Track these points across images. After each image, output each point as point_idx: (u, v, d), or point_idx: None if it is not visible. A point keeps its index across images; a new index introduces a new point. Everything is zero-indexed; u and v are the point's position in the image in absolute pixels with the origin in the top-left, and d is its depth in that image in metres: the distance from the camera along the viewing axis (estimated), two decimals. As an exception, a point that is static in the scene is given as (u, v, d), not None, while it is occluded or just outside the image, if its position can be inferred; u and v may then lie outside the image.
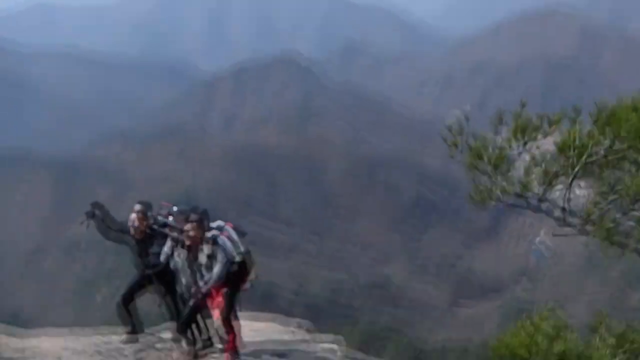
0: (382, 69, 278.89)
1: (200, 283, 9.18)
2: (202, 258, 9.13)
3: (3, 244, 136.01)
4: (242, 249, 9.39)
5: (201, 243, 9.23)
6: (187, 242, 9.19)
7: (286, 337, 11.43)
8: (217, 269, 9.09)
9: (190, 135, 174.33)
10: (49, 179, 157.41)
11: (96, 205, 9.78)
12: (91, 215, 9.64)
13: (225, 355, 9.62)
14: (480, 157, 6.35)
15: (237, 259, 9.21)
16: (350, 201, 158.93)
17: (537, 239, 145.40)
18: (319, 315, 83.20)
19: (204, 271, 9.23)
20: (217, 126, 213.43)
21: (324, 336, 12.02)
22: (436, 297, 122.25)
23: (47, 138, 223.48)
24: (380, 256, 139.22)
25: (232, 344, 9.50)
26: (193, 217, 9.23)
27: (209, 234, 9.16)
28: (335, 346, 11.11)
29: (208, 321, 10.22)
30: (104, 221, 9.72)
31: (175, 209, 10.01)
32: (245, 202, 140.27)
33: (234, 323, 9.56)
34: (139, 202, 10.03)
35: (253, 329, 11.35)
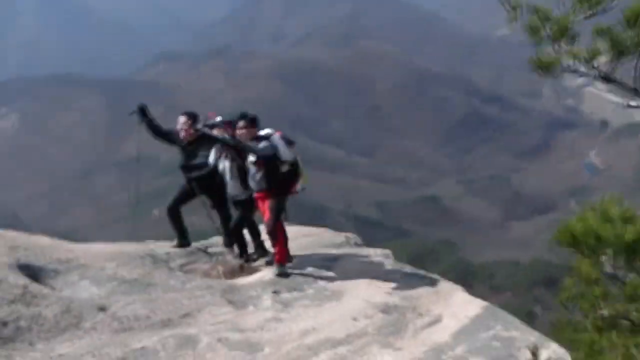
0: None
1: (251, 183, 8.86)
2: (252, 156, 8.72)
3: (58, 163, 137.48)
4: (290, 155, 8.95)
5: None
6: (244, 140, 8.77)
7: (334, 250, 10.57)
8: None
9: (237, 53, 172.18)
10: (101, 100, 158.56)
11: (144, 107, 9.57)
12: (142, 111, 9.48)
13: (273, 266, 8.84)
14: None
15: (288, 157, 8.76)
16: (399, 117, 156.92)
17: (591, 154, 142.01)
18: (368, 231, 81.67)
19: (252, 169, 8.83)
20: (264, 43, 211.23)
21: (371, 250, 11.04)
22: (486, 214, 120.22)
23: (100, 59, 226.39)
24: (430, 172, 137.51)
25: (279, 256, 8.83)
26: (244, 118, 8.93)
27: (262, 132, 8.90)
28: (384, 257, 10.35)
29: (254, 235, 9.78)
30: (152, 121, 9.59)
31: (219, 119, 9.48)
32: (293, 119, 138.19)
33: (280, 234, 8.84)
34: (185, 113, 9.71)
35: (301, 241, 10.76)
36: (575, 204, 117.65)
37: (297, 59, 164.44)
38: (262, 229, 9.50)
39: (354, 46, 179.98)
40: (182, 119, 9.52)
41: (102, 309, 6.31)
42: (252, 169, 8.76)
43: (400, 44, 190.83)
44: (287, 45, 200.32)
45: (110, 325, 5.99)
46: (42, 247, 7.82)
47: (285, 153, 8.75)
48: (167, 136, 9.81)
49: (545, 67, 5.41)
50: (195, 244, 10.00)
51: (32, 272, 6.74)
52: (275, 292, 7.90)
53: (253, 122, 8.90)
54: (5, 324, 5.36)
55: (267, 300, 7.61)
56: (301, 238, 11.23)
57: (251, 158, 8.70)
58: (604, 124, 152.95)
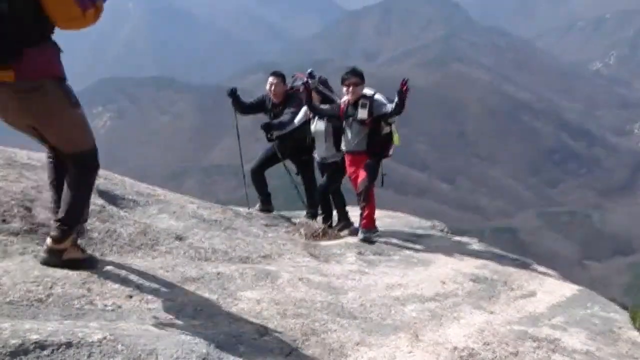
0: (532, 10, 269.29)
1: (347, 144, 8.55)
2: (362, 114, 8.27)
3: (148, 165, 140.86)
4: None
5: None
6: (351, 97, 8.40)
7: (420, 231, 10.00)
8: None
9: (334, 68, 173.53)
10: (194, 105, 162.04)
11: (234, 89, 9.58)
12: (233, 93, 9.49)
13: (360, 231, 8.37)
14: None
15: (392, 107, 8.08)
16: (486, 144, 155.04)
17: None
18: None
19: (356, 128, 8.43)
20: (358, 60, 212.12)
21: (459, 237, 10.23)
22: (564, 250, 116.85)
23: (198, 66, 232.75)
24: (513, 202, 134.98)
25: (367, 220, 8.34)
26: (355, 73, 8.47)
27: (368, 91, 8.43)
28: (473, 242, 9.76)
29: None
30: (239, 101, 9.59)
31: (311, 81, 8.99)
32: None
33: (372, 197, 8.42)
34: (274, 72, 9.50)
35: (385, 221, 10.31)
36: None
37: (391, 77, 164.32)
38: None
39: (446, 69, 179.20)
40: (271, 79, 9.34)
41: (180, 238, 6.02)
42: (355, 128, 8.40)
43: (492, 70, 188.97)
44: (381, 64, 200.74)
45: (187, 253, 5.68)
46: (124, 180, 7.67)
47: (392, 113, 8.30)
48: (253, 107, 9.75)
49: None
50: (278, 212, 9.68)
51: (111, 199, 6.52)
52: (359, 253, 7.44)
53: (363, 77, 8.48)
54: (78, 232, 5.06)
55: (351, 257, 7.19)
56: (385, 218, 10.86)
57: (362, 115, 8.28)
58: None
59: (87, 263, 4.48)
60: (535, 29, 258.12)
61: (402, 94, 7.79)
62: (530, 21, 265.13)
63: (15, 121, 4.16)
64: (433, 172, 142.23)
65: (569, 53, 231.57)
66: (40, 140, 4.35)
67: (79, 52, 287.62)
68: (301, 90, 8.80)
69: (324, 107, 8.73)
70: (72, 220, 4.34)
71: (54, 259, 4.31)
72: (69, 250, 4.37)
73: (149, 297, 4.24)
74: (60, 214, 4.31)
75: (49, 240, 4.34)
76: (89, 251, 4.87)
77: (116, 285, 4.26)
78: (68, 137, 4.23)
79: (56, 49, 4.09)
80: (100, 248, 5.09)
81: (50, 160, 4.50)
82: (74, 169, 4.31)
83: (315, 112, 8.72)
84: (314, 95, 8.93)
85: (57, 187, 4.46)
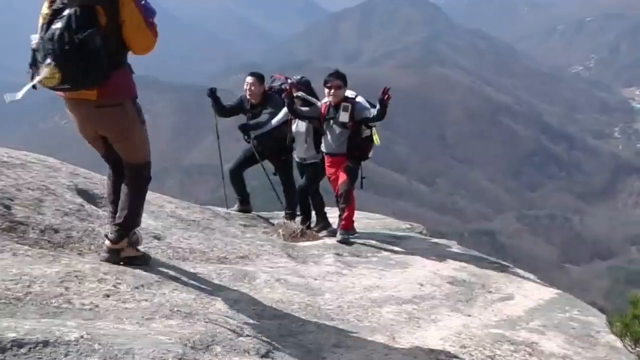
0: (514, 13, 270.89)
1: (328, 146, 8.62)
2: (344, 117, 8.32)
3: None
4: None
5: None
6: (333, 99, 8.46)
7: (398, 233, 9.98)
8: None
9: (315, 69, 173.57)
10: (174, 105, 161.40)
11: (214, 90, 9.64)
12: (212, 94, 9.54)
13: (338, 232, 8.49)
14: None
15: (374, 114, 8.11)
16: (466, 146, 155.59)
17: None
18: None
19: (337, 130, 8.50)
20: (339, 60, 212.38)
21: (437, 239, 10.37)
22: (544, 253, 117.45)
23: (179, 66, 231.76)
24: (492, 205, 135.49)
25: (346, 221, 8.47)
26: (338, 76, 8.51)
27: (350, 93, 8.51)
28: (451, 244, 9.84)
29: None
30: (218, 102, 9.62)
31: (290, 81, 9.21)
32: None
33: (352, 199, 8.50)
34: (252, 73, 9.51)
35: (363, 222, 10.34)
36: (637, 252, 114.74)
37: (371, 78, 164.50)
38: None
39: (427, 71, 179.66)
40: (249, 79, 9.35)
41: (158, 237, 6.07)
42: (336, 130, 8.46)
43: (472, 72, 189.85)
44: (362, 65, 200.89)
45: (165, 252, 5.72)
46: (103, 179, 7.61)
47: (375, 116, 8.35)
48: (233, 109, 9.77)
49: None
50: (256, 213, 9.72)
51: (90, 198, 6.55)
52: (337, 254, 7.49)
53: (346, 81, 8.53)
54: (57, 231, 5.17)
55: (329, 258, 7.24)
56: (364, 220, 10.89)
57: (343, 119, 8.33)
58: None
59: (141, 260, 5.09)
60: (516, 32, 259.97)
61: (384, 101, 7.83)
62: (511, 24, 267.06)
63: (90, 132, 4.84)
64: (413, 174, 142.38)
65: (550, 56, 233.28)
66: (104, 155, 5.02)
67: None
68: (283, 95, 8.75)
69: (305, 109, 8.73)
70: (129, 224, 4.96)
71: (113, 256, 4.92)
72: (125, 249, 4.99)
73: (126, 296, 4.25)
74: (118, 219, 4.93)
75: (107, 242, 4.93)
76: (67, 248, 4.98)
77: (94, 285, 4.28)
78: (133, 150, 4.90)
79: (130, 71, 4.79)
80: (78, 247, 5.10)
81: (110, 179, 5.16)
82: (132, 178, 4.96)
83: (296, 115, 8.71)
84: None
85: (113, 203, 5.08)
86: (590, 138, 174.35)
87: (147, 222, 6.44)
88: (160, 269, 5.06)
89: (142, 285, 4.54)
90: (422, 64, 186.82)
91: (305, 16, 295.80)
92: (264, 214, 10.03)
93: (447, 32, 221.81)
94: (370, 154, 8.78)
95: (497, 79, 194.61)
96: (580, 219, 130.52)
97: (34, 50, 4.45)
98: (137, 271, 4.78)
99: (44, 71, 4.32)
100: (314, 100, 8.93)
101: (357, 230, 8.81)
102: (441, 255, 8.29)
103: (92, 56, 4.35)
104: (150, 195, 7.71)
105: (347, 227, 8.45)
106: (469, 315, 5.79)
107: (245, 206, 9.64)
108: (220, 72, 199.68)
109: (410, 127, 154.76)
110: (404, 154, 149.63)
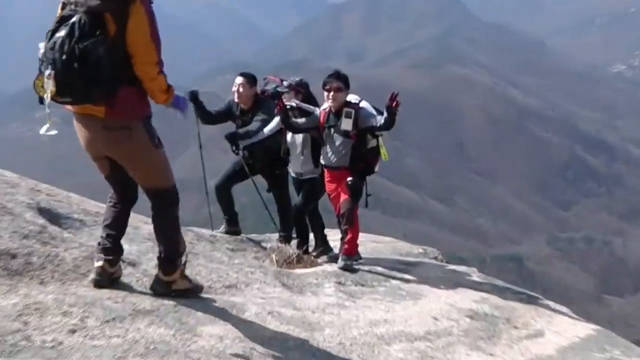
0: (541, 3, 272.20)
1: (328, 158, 8.56)
2: (346, 125, 8.28)
3: (100, 179, 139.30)
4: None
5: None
6: (333, 104, 8.41)
7: (410, 259, 10.11)
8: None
9: (313, 69, 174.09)
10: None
11: (196, 93, 9.51)
12: (194, 97, 9.37)
13: (340, 258, 8.45)
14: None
15: (381, 122, 8.01)
16: (488, 157, 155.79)
17: None
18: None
19: (338, 140, 8.45)
20: (341, 60, 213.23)
21: (455, 266, 10.33)
22: (579, 283, 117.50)
23: (170, 66, 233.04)
24: (518, 225, 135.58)
25: (349, 245, 8.42)
26: (339, 77, 8.45)
27: (353, 98, 8.47)
28: (470, 271, 9.78)
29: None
30: (201, 107, 9.52)
31: (286, 83, 9.17)
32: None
33: (355, 220, 8.45)
34: (242, 73, 9.47)
35: (369, 246, 10.61)
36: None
37: (377, 80, 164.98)
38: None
39: (441, 71, 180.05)
40: (238, 80, 9.32)
41: (132, 264, 6.10)
42: (337, 140, 8.43)
43: (495, 72, 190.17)
44: (367, 65, 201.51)
45: (140, 281, 5.72)
46: (69, 196, 7.74)
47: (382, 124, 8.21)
48: (220, 115, 9.72)
49: None
50: (245, 235, 9.65)
51: (54, 218, 6.57)
52: (339, 283, 7.53)
53: (348, 83, 8.49)
54: (14, 256, 5.20)
55: (329, 288, 7.27)
56: (370, 243, 11.04)
57: (345, 127, 8.31)
58: None
59: (194, 292, 5.47)
60: (546, 25, 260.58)
61: (392, 109, 7.77)
62: (539, 17, 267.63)
63: (98, 152, 5.06)
64: (426, 190, 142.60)
65: (585, 53, 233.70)
66: (108, 177, 5.28)
67: (21, 44, 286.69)
68: (275, 112, 8.67)
69: (301, 121, 8.72)
70: (173, 253, 5.27)
71: (164, 289, 5.28)
72: (177, 281, 5.33)
73: (95, 332, 4.26)
74: (159, 253, 5.26)
75: (160, 273, 5.29)
76: (26, 276, 4.98)
77: (57, 319, 4.28)
78: (148, 176, 5.13)
79: (143, 89, 4.93)
80: (39, 274, 5.11)
81: (112, 204, 5.39)
82: (156, 207, 5.25)
83: (294, 130, 8.73)
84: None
85: (108, 227, 5.33)
86: (633, 147, 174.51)
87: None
88: (135, 300, 5.07)
89: (114, 319, 4.54)
90: (436, 63, 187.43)
91: (303, 9, 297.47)
92: (255, 236, 10.02)
93: (465, 26, 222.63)
94: (376, 168, 8.74)
95: (524, 80, 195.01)
96: (622, 243, 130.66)
97: (40, 60, 4.61)
98: (108, 303, 4.80)
99: (46, 83, 4.49)
100: (311, 108, 8.90)
101: (362, 255, 8.80)
102: (459, 284, 8.33)
103: (94, 68, 4.48)
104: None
105: (351, 251, 8.41)
106: (492, 355, 5.82)
107: (233, 227, 9.55)
108: (206, 72, 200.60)
109: (423, 135, 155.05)
110: (416, 166, 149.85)
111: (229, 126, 9.60)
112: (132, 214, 8.20)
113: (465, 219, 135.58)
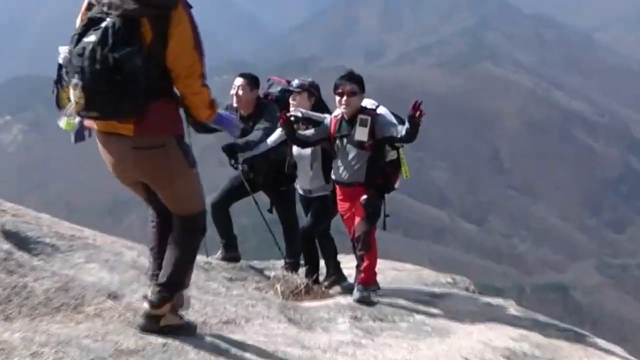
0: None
1: (339, 173, 8.48)
2: (361, 134, 8.17)
3: (76, 196, 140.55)
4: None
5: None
6: (346, 110, 8.36)
7: (436, 289, 10.19)
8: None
9: (321, 68, 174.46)
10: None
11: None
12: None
13: (355, 288, 8.47)
14: None
15: (402, 134, 7.91)
16: (528, 170, 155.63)
17: None
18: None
19: (351, 152, 8.37)
20: (357, 58, 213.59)
21: (488, 298, 10.54)
22: (636, 315, 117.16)
23: None
24: (563, 250, 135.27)
25: (365, 274, 8.42)
26: (353, 79, 8.40)
27: (369, 103, 8.48)
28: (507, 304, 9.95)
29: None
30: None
31: (297, 82, 9.14)
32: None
33: (373, 243, 8.38)
34: (242, 74, 9.55)
35: (389, 275, 10.66)
36: None
37: (397, 82, 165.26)
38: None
39: (474, 70, 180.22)
40: (238, 82, 9.39)
41: (114, 296, 6.09)
42: (351, 152, 8.37)
43: (536, 72, 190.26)
44: (387, 64, 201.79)
45: (123, 316, 5.69)
46: (39, 217, 7.76)
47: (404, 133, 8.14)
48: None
49: None
50: (246, 262, 9.70)
51: (22, 243, 6.58)
52: (354, 318, 7.55)
53: (363, 86, 8.44)
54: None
55: (343, 324, 7.31)
56: (390, 271, 11.17)
57: (360, 137, 8.23)
58: None
59: (184, 330, 5.41)
60: (595, 18, 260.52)
61: (415, 119, 7.67)
62: (587, 8, 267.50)
63: (127, 176, 5.21)
64: (456, 209, 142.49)
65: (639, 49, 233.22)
66: (147, 200, 5.41)
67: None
68: (279, 125, 8.67)
69: (309, 132, 8.69)
70: (174, 285, 5.30)
71: (152, 324, 5.21)
72: (166, 316, 5.28)
73: (70, 376, 4.26)
74: (162, 279, 5.25)
75: (146, 305, 5.23)
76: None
77: (25, 360, 4.27)
78: (180, 200, 5.24)
79: (177, 104, 5.08)
80: (4, 309, 5.11)
81: (154, 225, 5.52)
82: (181, 231, 5.30)
83: (299, 143, 8.71)
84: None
85: (156, 254, 5.46)
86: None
87: (99, 274, 6.51)
88: (116, 338, 5.06)
89: (93, 360, 4.52)
90: (467, 61, 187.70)
91: (311, 0, 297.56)
92: (257, 263, 10.05)
93: (500, 18, 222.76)
94: (396, 184, 8.74)
95: (570, 80, 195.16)
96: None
97: (60, 66, 4.77)
98: (85, 341, 4.80)
99: (73, 94, 4.59)
100: (320, 116, 8.82)
101: (381, 285, 8.79)
102: (494, 319, 8.36)
103: (128, 80, 4.53)
104: (104, 239, 7.79)
105: (368, 281, 8.42)
106: (534, 400, 5.83)
107: (231, 253, 9.59)
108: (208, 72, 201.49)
109: (452, 145, 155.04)
110: (443, 181, 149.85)
111: (226, 136, 9.22)
112: (113, 238, 8.26)
113: (501, 242, 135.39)
